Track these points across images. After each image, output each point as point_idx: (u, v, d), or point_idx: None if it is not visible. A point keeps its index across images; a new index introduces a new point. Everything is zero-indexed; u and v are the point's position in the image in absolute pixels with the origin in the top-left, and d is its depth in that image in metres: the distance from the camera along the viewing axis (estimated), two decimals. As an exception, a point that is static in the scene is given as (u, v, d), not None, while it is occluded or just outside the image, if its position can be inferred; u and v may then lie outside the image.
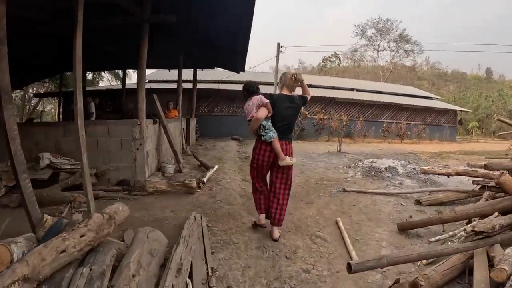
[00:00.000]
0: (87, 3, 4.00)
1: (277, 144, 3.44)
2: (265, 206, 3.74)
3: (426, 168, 5.83)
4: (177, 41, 8.91)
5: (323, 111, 16.83)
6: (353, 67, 49.50)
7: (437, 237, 3.42)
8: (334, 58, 45.43)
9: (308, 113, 16.37)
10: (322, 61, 46.49)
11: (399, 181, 6.40)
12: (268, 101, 3.44)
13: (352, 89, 21.62)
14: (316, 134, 16.05)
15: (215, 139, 14.13)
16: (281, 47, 15.79)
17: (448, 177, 5.65)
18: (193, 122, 12.38)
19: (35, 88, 18.75)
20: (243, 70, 11.93)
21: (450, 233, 3.46)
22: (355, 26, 46.28)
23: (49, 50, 10.19)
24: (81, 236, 2.31)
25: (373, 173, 6.93)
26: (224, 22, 6.87)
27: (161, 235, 3.03)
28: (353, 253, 3.29)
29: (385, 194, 5.51)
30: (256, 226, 3.84)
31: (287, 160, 3.45)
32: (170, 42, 8.92)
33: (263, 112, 3.40)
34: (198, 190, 5.55)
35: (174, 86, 15.11)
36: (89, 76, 19.95)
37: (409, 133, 17.74)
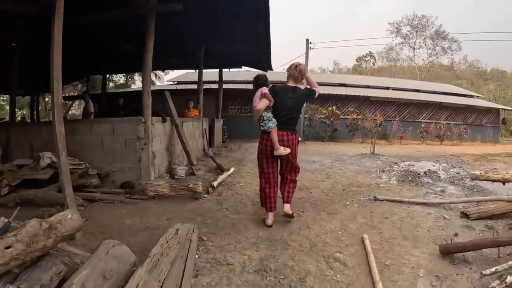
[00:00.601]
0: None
1: (274, 135, 3.52)
2: (275, 204, 3.77)
3: (477, 173, 4.79)
4: (196, 37, 8.45)
5: (357, 111, 15.69)
6: (389, 67, 47.16)
7: (493, 269, 2.49)
8: (369, 57, 43.55)
9: (341, 113, 15.31)
10: (357, 61, 44.74)
11: (440, 188, 5.37)
12: (267, 91, 3.53)
13: (387, 88, 20.16)
14: (349, 135, 14.96)
15: (243, 140, 13.54)
16: (310, 43, 14.89)
17: (504, 184, 4.60)
18: (218, 123, 11.89)
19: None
20: (271, 69, 11.28)
21: (510, 262, 2.53)
22: (390, 24, 43.99)
23: (73, 54, 10.19)
24: (6, 248, 1.88)
25: (410, 178, 5.93)
26: (239, 10, 6.29)
27: (127, 251, 2.44)
28: (379, 286, 2.46)
29: (425, 204, 4.55)
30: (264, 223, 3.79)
31: (281, 150, 3.52)
32: (190, 39, 8.54)
33: (263, 103, 3.50)
34: (205, 196, 4.95)
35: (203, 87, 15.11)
36: (122, 79, 20.36)
37: (449, 133, 16.14)
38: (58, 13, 3.33)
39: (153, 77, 22.07)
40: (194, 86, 14.89)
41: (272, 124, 3.53)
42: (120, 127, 5.50)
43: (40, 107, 15.90)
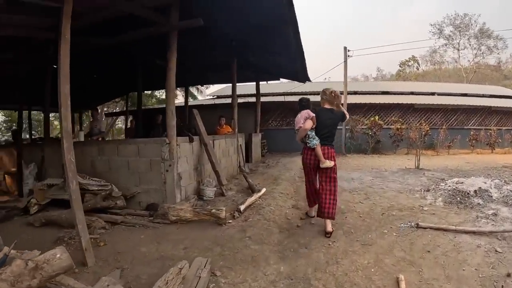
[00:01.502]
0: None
1: (319, 150, 4.23)
2: (315, 200, 4.63)
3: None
4: (228, 50, 8.40)
5: (401, 120, 14.62)
6: (433, 70, 44.14)
7: None
8: (412, 62, 41.30)
9: (384, 123, 14.37)
10: (400, 66, 42.66)
11: (493, 211, 4.62)
12: (314, 115, 4.25)
13: (433, 93, 18.72)
14: (393, 146, 13.93)
15: (283, 154, 13.22)
16: (348, 51, 14.23)
17: None
18: (257, 137, 11.70)
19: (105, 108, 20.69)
20: (308, 79, 10.95)
21: None
22: (431, 25, 41.31)
23: (113, 72, 10.70)
24: (-12, 286, 1.81)
25: (458, 198, 5.22)
26: (266, 20, 6.14)
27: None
28: None
29: (474, 233, 3.89)
30: (306, 216, 4.85)
31: (327, 163, 4.23)
32: (222, 53, 8.56)
33: (309, 124, 4.20)
34: (230, 221, 4.71)
35: (240, 100, 15.01)
36: (164, 95, 21.01)
37: (500, 140, 14.52)
38: (64, 40, 3.30)
39: (194, 91, 22.68)
40: (230, 100, 15.05)
41: (316, 141, 4.25)
42: (145, 148, 5.48)
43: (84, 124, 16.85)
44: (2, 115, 19.56)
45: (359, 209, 5.17)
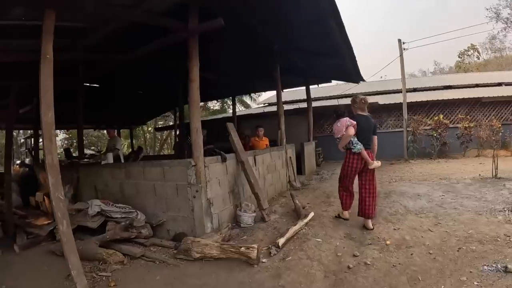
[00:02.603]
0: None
1: (365, 153, 4.47)
2: (350, 204, 4.91)
3: None
4: (269, 54, 7.63)
5: (468, 117, 12.32)
6: (495, 59, 38.32)
7: None
8: (472, 51, 36.36)
9: (450, 122, 12.23)
10: (459, 56, 37.90)
11: None
12: (355, 122, 4.44)
13: (499, 84, 15.70)
14: (461, 148, 11.72)
15: (340, 162, 11.90)
16: (403, 43, 12.37)
17: None
18: (309, 146, 10.65)
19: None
20: (362, 79, 9.72)
21: None
22: (487, 9, 35.74)
23: (159, 87, 10.54)
24: None
25: None
26: (306, 16, 5.29)
27: None
28: None
29: None
30: (339, 217, 4.94)
31: (375, 164, 4.55)
32: (265, 58, 7.85)
33: (352, 130, 4.38)
34: (264, 261, 3.83)
35: (290, 107, 14.05)
36: (217, 106, 20.84)
37: None
38: (45, 60, 2.78)
39: (248, 100, 22.22)
40: (285, 107, 14.11)
41: (360, 146, 4.44)
42: (170, 171, 4.87)
43: (134, 140, 17.17)
44: (63, 133, 20.91)
45: (429, 241, 3.95)
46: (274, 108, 15.14)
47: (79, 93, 6.97)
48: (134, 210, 5.07)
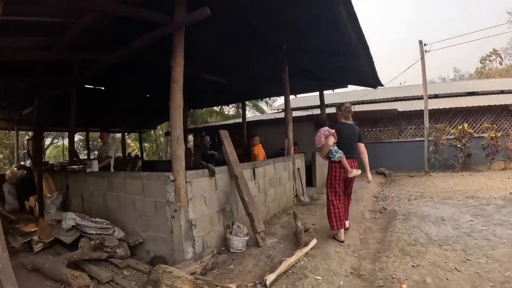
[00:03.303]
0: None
1: (345, 162, 4.19)
2: (342, 221, 4.31)
3: None
4: (280, 56, 6.82)
5: (494, 126, 10.91)
6: None
7: None
8: (494, 56, 33.90)
9: (474, 131, 10.88)
10: (480, 62, 35.44)
11: None
12: (334, 131, 4.24)
13: None
14: (487, 159, 10.34)
15: (357, 174, 10.87)
16: (425, 45, 11.06)
17: None
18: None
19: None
20: (380, 84, 8.67)
21: None
22: (509, 13, 33.09)
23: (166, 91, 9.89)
24: None
25: None
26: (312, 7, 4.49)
27: None
28: None
29: None
30: (334, 239, 4.32)
31: (354, 172, 4.20)
32: (275, 61, 6.98)
33: (331, 140, 4.21)
34: (245, 305, 2.90)
35: (303, 113, 13.08)
36: (232, 111, 20.05)
37: None
38: None
39: (264, 106, 21.37)
40: (298, 113, 13.18)
41: (340, 154, 4.20)
42: (149, 186, 4.08)
43: (146, 144, 16.69)
44: (79, 135, 20.66)
45: (456, 286, 2.93)
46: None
47: (73, 95, 6.30)
48: (111, 226, 4.36)
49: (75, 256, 3.80)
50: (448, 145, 10.70)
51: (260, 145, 7.84)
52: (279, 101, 20.78)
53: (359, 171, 4.24)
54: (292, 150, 7.10)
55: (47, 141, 22.20)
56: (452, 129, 11.07)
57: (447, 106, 11.46)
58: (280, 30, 6.00)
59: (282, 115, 14.89)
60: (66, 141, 15.33)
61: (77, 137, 20.15)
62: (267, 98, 19.53)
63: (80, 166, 5.70)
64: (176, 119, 3.89)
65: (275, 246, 4.29)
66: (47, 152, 21.67)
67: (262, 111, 20.92)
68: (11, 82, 6.04)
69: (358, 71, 7.38)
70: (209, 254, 3.79)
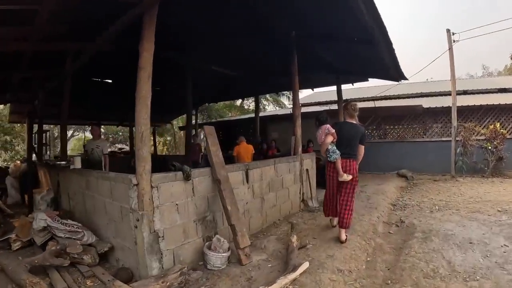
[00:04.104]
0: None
1: (338, 164, 3.96)
2: (336, 211, 4.24)
3: None
4: (285, 42, 6.02)
5: None
6: None
7: None
8: None
9: (507, 132, 9.25)
10: (511, 58, 31.83)
11: None
12: (333, 130, 4.01)
13: None
14: None
15: (375, 175, 9.69)
16: (453, 34, 9.46)
17: None
18: (336, 155, 8.62)
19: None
20: (403, 77, 7.55)
21: None
22: None
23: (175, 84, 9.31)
24: None
25: None
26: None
27: None
28: None
29: None
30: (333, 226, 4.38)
31: (344, 177, 3.93)
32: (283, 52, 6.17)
33: (329, 138, 3.99)
34: None
35: (319, 108, 12.05)
36: (252, 105, 19.06)
37: None
38: None
39: (285, 100, 20.40)
40: (317, 108, 12.15)
41: (336, 155, 3.97)
42: (116, 189, 3.42)
43: (163, 138, 16.28)
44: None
45: None
46: (306, 110, 13.26)
47: (66, 86, 5.76)
48: (81, 230, 3.82)
49: (36, 261, 3.36)
50: (478, 146, 9.16)
51: (243, 144, 7.05)
52: (301, 95, 19.68)
53: (350, 177, 3.95)
54: (300, 149, 6.18)
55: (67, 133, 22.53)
56: (482, 129, 9.52)
57: (477, 103, 9.90)
58: (287, 15, 5.22)
59: (301, 110, 14.00)
60: (87, 134, 15.30)
61: None
62: (287, 92, 18.55)
63: (66, 162, 5.16)
64: (141, 112, 3.17)
65: (261, 265, 3.47)
66: (71, 145, 21.85)
67: (283, 106, 19.90)
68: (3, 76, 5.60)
69: (378, 61, 6.31)
70: (177, 272, 3.05)
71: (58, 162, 5.29)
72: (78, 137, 22.55)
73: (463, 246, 3.65)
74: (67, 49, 5.02)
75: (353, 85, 10.07)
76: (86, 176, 4.24)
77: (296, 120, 6.24)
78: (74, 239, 3.70)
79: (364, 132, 4.20)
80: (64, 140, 5.91)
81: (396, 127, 10.39)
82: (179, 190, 3.38)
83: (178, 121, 18.19)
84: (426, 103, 10.18)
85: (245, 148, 7.00)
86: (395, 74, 7.39)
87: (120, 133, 21.15)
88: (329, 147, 3.98)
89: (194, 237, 3.53)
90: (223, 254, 3.40)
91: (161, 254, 3.15)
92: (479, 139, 9.20)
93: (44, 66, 5.79)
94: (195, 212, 3.53)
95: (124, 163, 9.28)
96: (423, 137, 9.89)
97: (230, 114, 18.92)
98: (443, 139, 9.63)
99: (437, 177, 8.81)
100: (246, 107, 20.74)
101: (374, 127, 10.67)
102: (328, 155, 4.03)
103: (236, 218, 3.52)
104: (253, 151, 7.07)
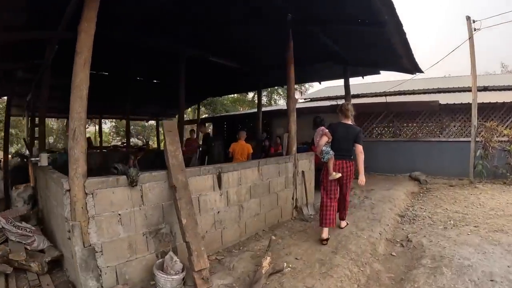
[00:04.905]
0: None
1: (329, 164, 3.99)
2: (333, 220, 4.03)
3: None
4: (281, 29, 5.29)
5: None
6: None
7: None
8: None
9: None
10: None
11: None
12: (326, 130, 4.06)
13: None
14: None
15: (385, 176, 8.67)
16: (473, 22, 8.06)
17: None
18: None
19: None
20: (418, 69, 6.61)
21: None
22: None
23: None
24: None
25: None
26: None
27: None
28: None
29: None
30: (322, 242, 3.89)
31: (333, 175, 3.95)
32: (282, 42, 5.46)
33: (323, 140, 4.03)
34: None
35: (327, 103, 11.13)
36: (264, 99, 18.17)
37: None
38: None
39: (297, 95, 19.40)
40: (326, 103, 11.17)
41: (329, 156, 3.98)
42: (58, 192, 2.86)
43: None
44: (111, 122, 20.31)
45: None
46: (314, 104, 12.34)
47: (45, 76, 5.23)
48: (32, 235, 3.47)
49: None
50: (500, 149, 7.87)
51: (241, 142, 6.37)
52: (311, 89, 18.65)
53: (339, 175, 4.00)
54: (294, 148, 5.38)
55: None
56: (505, 129, 8.13)
57: (499, 100, 8.56)
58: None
59: (309, 104, 13.11)
60: (97, 128, 15.06)
61: (109, 123, 19.95)
62: (297, 86, 17.63)
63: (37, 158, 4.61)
64: (74, 105, 2.59)
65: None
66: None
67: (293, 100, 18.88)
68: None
69: (388, 48, 5.41)
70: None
71: (32, 158, 4.78)
72: (89, 131, 22.52)
73: (481, 284, 2.75)
74: (32, 38, 4.46)
75: (363, 78, 9.05)
76: (46, 174, 3.73)
77: (291, 115, 5.44)
78: (24, 243, 3.33)
79: (359, 132, 4.12)
80: (42, 134, 5.37)
81: (409, 125, 9.18)
82: (122, 197, 2.76)
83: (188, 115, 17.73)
84: (443, 99, 8.93)
85: (241, 147, 6.34)
86: (409, 65, 6.44)
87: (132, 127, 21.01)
88: (323, 148, 4.01)
89: (144, 253, 2.91)
90: (174, 277, 2.74)
91: (100, 271, 2.61)
92: (502, 141, 7.96)
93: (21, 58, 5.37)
94: (144, 223, 2.90)
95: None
96: (439, 137, 8.68)
97: (241, 108, 18.18)
98: (461, 139, 8.36)
99: (454, 182, 7.69)
100: (255, 100, 19.85)
101: (386, 124, 9.55)
102: (321, 156, 4.08)
103: (193, 234, 2.85)
104: (251, 151, 6.34)
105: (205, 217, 3.46)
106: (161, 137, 13.04)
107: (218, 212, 3.64)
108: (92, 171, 2.80)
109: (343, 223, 4.38)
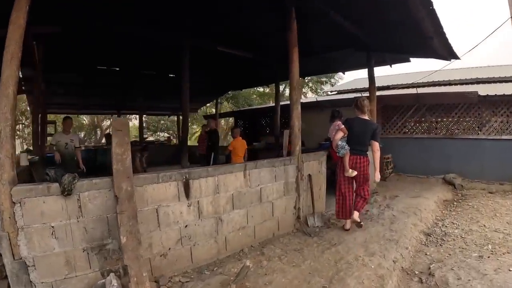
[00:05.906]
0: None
1: (345, 160, 4.01)
2: (350, 212, 4.14)
3: None
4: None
5: None
6: None
7: None
8: None
9: None
10: None
11: None
12: (343, 126, 4.13)
13: None
14: None
15: (415, 179, 7.62)
16: None
17: None
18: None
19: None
20: (454, 55, 5.62)
21: None
22: None
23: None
24: None
25: None
26: None
27: None
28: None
29: None
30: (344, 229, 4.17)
31: (349, 172, 3.99)
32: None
33: (339, 134, 4.07)
34: None
35: (349, 95, 10.16)
36: (287, 91, 17.19)
37: None
38: None
39: (328, 87, 18.30)
40: (352, 95, 10.21)
41: (344, 151, 3.99)
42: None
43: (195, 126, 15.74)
44: (135, 118, 20.45)
45: None
46: (340, 96, 11.40)
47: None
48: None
49: None
50: None
51: (239, 138, 6.16)
52: (341, 81, 17.36)
53: (355, 173, 3.99)
54: (298, 147, 4.70)
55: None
56: None
57: None
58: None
59: (335, 97, 12.13)
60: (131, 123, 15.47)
61: (134, 120, 20.31)
62: (327, 78, 16.58)
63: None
64: (1, 104, 2.31)
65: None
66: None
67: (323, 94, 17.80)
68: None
69: (415, 27, 4.53)
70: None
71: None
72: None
73: None
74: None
75: (391, 67, 8.02)
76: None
77: (294, 109, 4.72)
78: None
79: (377, 128, 4.10)
80: (35, 132, 5.29)
81: (444, 119, 7.93)
82: (55, 208, 2.43)
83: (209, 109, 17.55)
84: (483, 90, 7.50)
85: (241, 143, 6.10)
86: (442, 49, 5.44)
87: (163, 122, 21.34)
88: (339, 142, 4.02)
89: (85, 271, 2.56)
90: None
91: (34, 286, 2.33)
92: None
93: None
94: (84, 238, 2.54)
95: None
96: (478, 134, 7.35)
97: (267, 102, 17.55)
98: (504, 137, 6.94)
99: (493, 187, 6.46)
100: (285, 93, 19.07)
101: (417, 119, 8.37)
102: (337, 150, 4.09)
103: (133, 256, 2.41)
104: (246, 147, 6.20)
105: (166, 232, 3.01)
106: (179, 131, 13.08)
107: (186, 226, 3.16)
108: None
109: (356, 214, 4.10)
